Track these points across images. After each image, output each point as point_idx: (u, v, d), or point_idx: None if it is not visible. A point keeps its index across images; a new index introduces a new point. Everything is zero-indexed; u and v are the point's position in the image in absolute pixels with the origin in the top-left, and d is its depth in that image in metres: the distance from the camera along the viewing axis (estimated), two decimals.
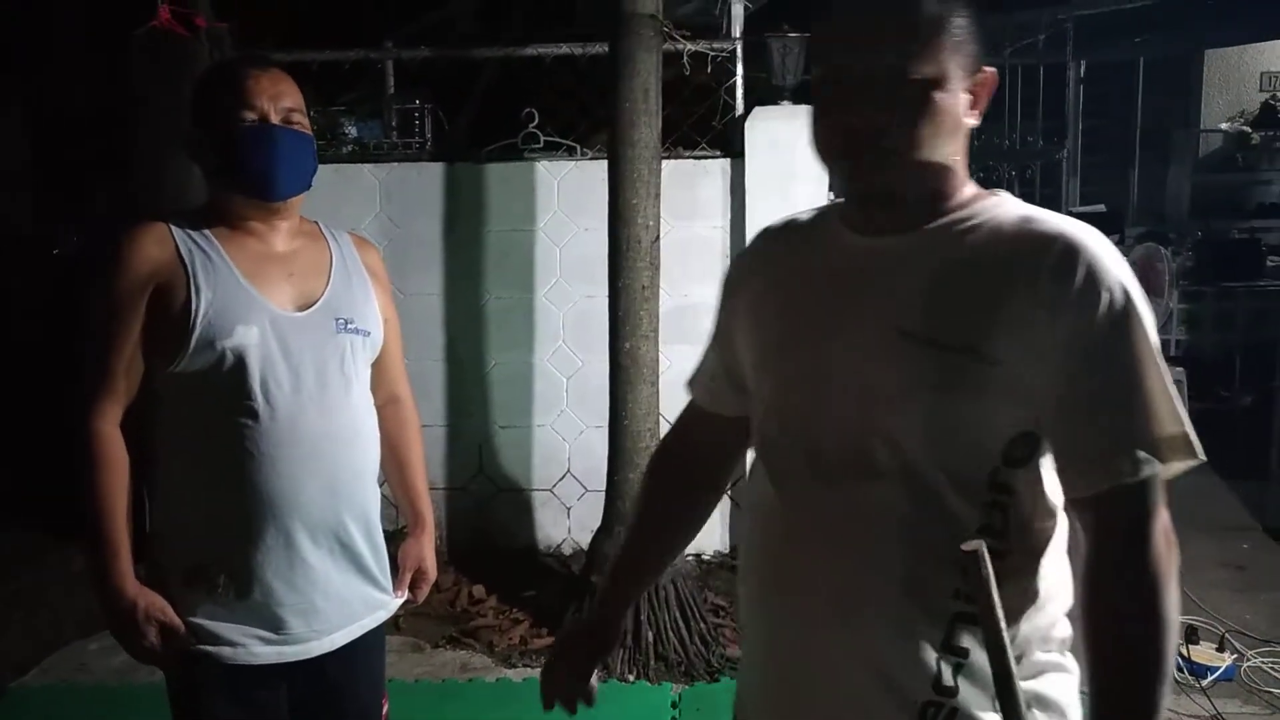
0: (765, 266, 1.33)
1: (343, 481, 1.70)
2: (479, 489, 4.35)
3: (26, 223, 5.26)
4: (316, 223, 1.83)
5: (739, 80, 4.15)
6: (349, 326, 1.72)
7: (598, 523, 3.67)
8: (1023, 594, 1.13)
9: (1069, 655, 1.18)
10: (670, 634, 3.43)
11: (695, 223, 4.13)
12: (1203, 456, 1.07)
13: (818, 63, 1.17)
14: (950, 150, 1.14)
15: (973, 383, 1.07)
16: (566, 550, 4.33)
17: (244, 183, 1.67)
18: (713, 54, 4.08)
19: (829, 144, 1.16)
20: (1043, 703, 1.15)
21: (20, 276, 5.08)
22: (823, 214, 1.31)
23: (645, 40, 3.39)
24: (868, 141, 1.11)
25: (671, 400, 3.83)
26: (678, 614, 3.46)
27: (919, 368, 1.09)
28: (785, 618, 1.21)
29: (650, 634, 3.41)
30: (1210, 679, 3.22)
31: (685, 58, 3.99)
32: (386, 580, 1.83)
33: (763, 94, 4.16)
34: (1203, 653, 3.33)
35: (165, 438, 1.68)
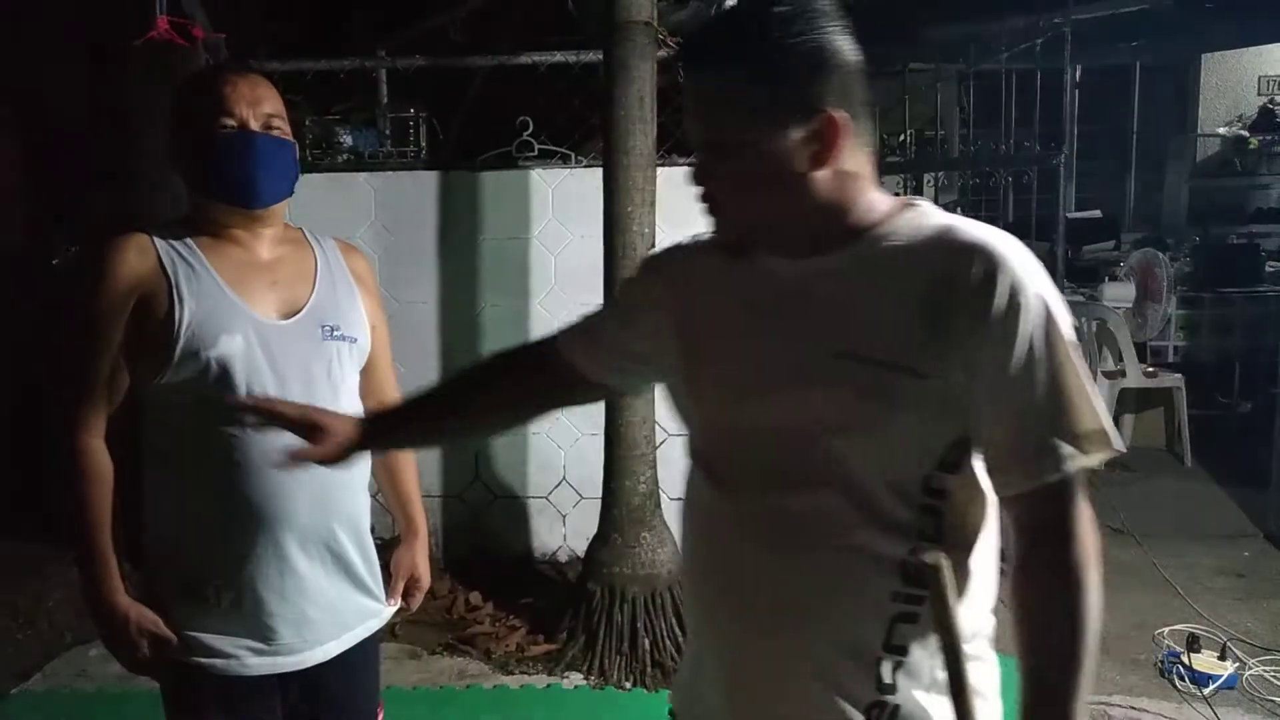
0: (694, 276, 1.33)
1: (332, 490, 1.68)
2: (475, 496, 4.34)
3: (23, 234, 5.26)
4: (301, 229, 1.82)
5: None
6: (335, 333, 1.71)
7: (593, 530, 3.66)
8: (957, 590, 1.16)
9: (990, 649, 1.24)
10: (667, 641, 3.42)
11: (690, 230, 4.10)
12: (1121, 447, 1.12)
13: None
14: (791, 200, 1.15)
15: (906, 396, 1.11)
16: (562, 557, 4.32)
17: (224, 190, 1.66)
18: None
19: (696, 197, 1.22)
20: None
21: (18, 288, 5.08)
22: None
23: (640, 47, 3.40)
24: (708, 202, 1.19)
25: (667, 407, 3.82)
26: (674, 621, 3.46)
27: (854, 384, 1.12)
28: (728, 622, 1.23)
29: (647, 641, 3.41)
30: (1212, 687, 3.21)
31: (679, 65, 3.98)
32: (379, 588, 1.82)
33: None
34: (1204, 661, 3.31)
35: (153, 449, 1.67)
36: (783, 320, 1.19)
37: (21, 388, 4.81)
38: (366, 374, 1.82)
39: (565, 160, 4.21)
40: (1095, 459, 1.11)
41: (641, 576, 3.48)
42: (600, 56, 3.60)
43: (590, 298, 3.96)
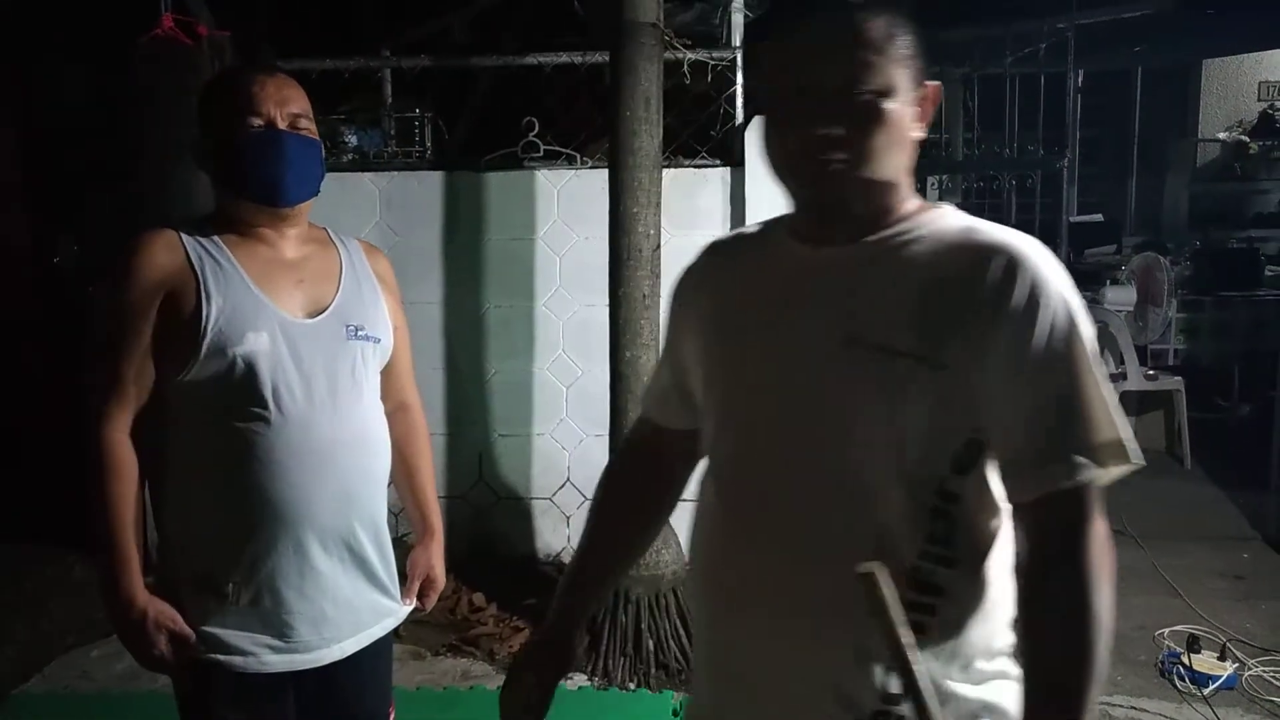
0: (711, 281, 1.35)
1: (354, 489, 1.69)
2: (479, 497, 4.34)
3: (24, 231, 5.25)
4: (325, 229, 1.82)
5: (739, 89, 4.16)
6: (359, 333, 1.72)
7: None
8: (969, 602, 1.15)
9: (1014, 663, 1.20)
10: (671, 642, 3.42)
11: (695, 232, 4.13)
12: (1139, 461, 1.09)
13: (768, 76, 1.20)
14: (898, 163, 1.17)
15: (921, 387, 1.10)
16: (566, 559, 4.32)
17: (252, 189, 1.66)
18: (713, 63, 4.09)
19: (782, 157, 1.18)
20: (991, 710, 1.17)
21: (19, 285, 5.07)
22: (770, 226, 1.33)
23: (646, 49, 3.40)
24: (821, 154, 1.13)
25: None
26: (678, 622, 3.46)
27: (866, 374, 1.12)
28: (737, 624, 1.22)
29: (651, 642, 3.41)
30: (1212, 688, 3.23)
31: (685, 66, 3.99)
32: (395, 588, 1.83)
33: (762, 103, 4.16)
34: (1204, 662, 3.33)
35: (176, 445, 1.66)
36: (796, 308, 1.19)
37: (21, 385, 4.81)
38: (387, 374, 1.82)
39: (571, 161, 4.22)
40: (1112, 472, 1.09)
41: (645, 578, 3.49)
42: (606, 57, 3.61)
43: (594, 299, 3.97)
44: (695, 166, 4.16)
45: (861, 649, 1.12)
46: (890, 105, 1.12)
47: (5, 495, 4.24)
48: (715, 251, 1.39)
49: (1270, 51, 8.35)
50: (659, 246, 3.49)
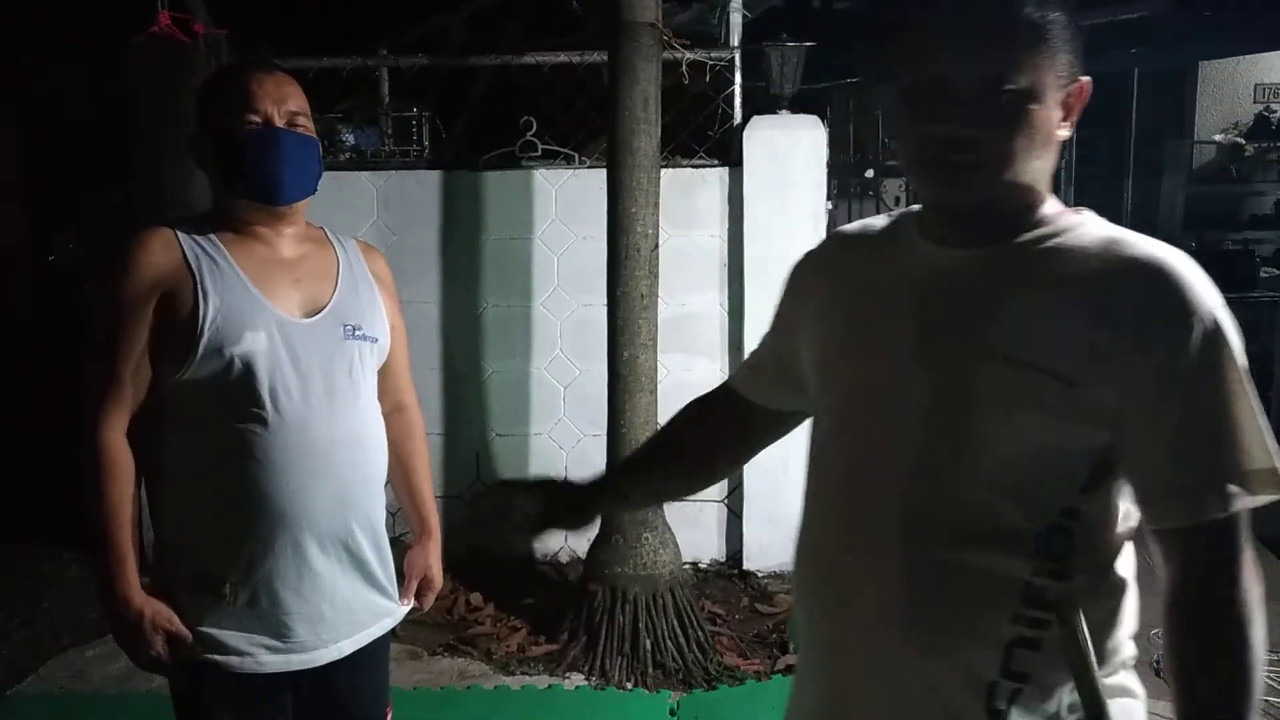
0: (835, 271, 1.30)
1: (351, 489, 1.69)
2: (476, 497, 4.33)
3: (21, 229, 5.25)
4: (322, 228, 1.82)
5: (737, 89, 4.16)
6: (357, 333, 1.71)
7: (595, 531, 3.66)
8: (1087, 616, 1.10)
9: (1135, 678, 1.17)
10: (668, 642, 3.42)
11: (693, 231, 4.14)
12: None
13: (907, 67, 1.11)
14: (1039, 167, 1.10)
15: (1053, 403, 1.04)
16: (563, 558, 4.32)
17: (249, 187, 1.66)
18: (711, 62, 4.09)
19: (919, 154, 1.12)
20: None
21: (16, 284, 5.07)
22: (899, 221, 1.27)
23: (645, 49, 3.40)
24: (953, 157, 1.07)
25: (669, 409, 3.81)
26: (675, 622, 3.46)
27: (995, 386, 1.07)
28: (841, 627, 1.18)
29: (648, 642, 3.41)
30: None
31: (684, 66, 3.99)
32: (393, 588, 1.83)
33: (760, 103, 4.17)
34: None
35: (172, 445, 1.66)
36: (924, 313, 1.14)
37: (18, 384, 4.80)
38: (384, 374, 1.82)
39: (569, 161, 4.22)
40: (1262, 499, 1.04)
41: (643, 577, 3.48)
42: (605, 57, 3.61)
43: (592, 299, 3.97)
44: (693, 166, 4.16)
45: (966, 661, 1.09)
46: (1035, 106, 1.06)
47: (1, 494, 4.24)
48: (840, 242, 1.34)
49: (1266, 54, 8.36)
50: (657, 246, 3.49)
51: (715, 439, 1.47)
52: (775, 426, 1.44)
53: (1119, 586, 1.13)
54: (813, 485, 1.26)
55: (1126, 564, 1.14)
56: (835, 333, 1.24)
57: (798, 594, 1.29)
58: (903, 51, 1.12)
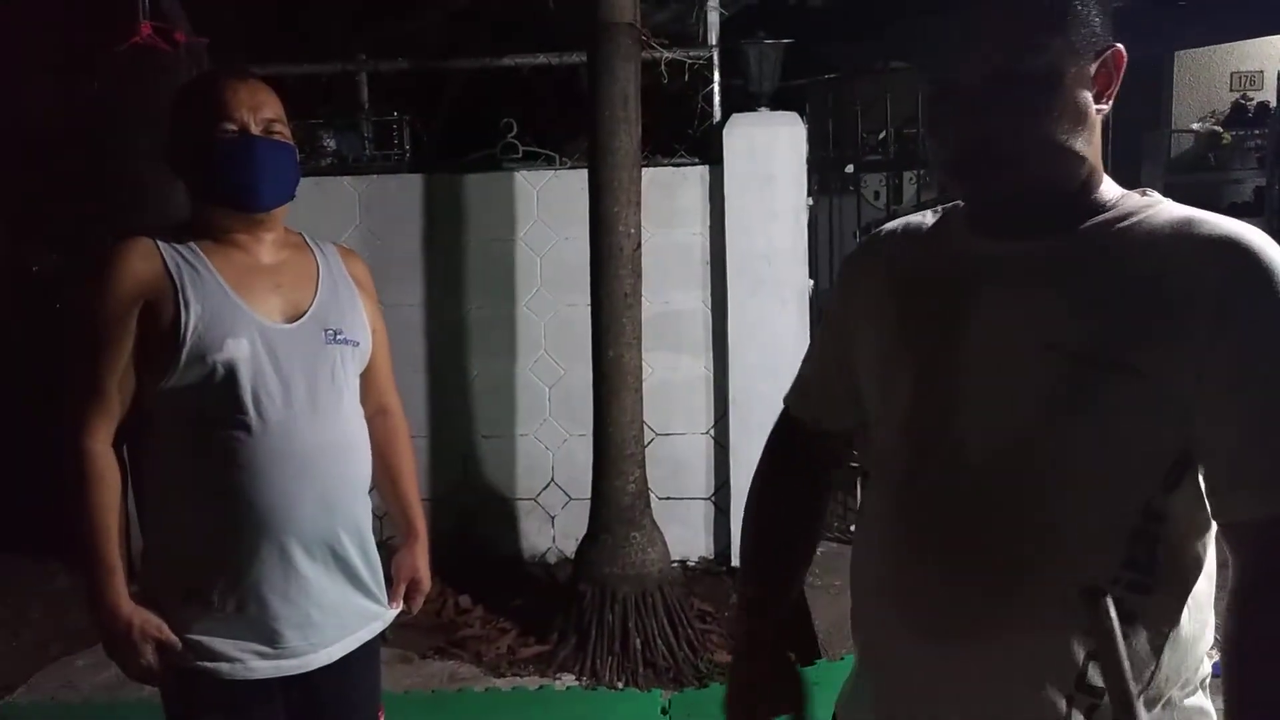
0: (885, 269, 1.23)
1: (336, 493, 1.69)
2: (463, 499, 4.34)
3: (2, 240, 5.22)
4: (301, 233, 1.82)
5: (716, 87, 4.18)
6: (338, 337, 1.72)
7: (582, 531, 3.67)
8: (1166, 632, 1.05)
9: (1208, 697, 1.12)
10: (658, 640, 3.43)
11: (675, 230, 4.15)
12: None
13: (928, 74, 1.08)
14: (1077, 147, 1.04)
15: (1127, 397, 0.99)
16: (551, 559, 4.34)
17: (226, 195, 1.66)
18: (690, 61, 4.10)
19: (947, 157, 1.07)
20: None
21: None
22: (944, 217, 1.22)
23: (624, 48, 3.41)
24: (986, 149, 1.03)
25: (654, 407, 3.84)
26: (665, 621, 3.47)
27: (1064, 383, 1.01)
28: (905, 634, 1.13)
29: (638, 641, 3.42)
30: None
31: (662, 65, 4.00)
32: (381, 591, 1.83)
33: (739, 101, 4.19)
34: None
35: (157, 454, 1.66)
36: (983, 307, 1.08)
37: (1, 394, 4.78)
38: (367, 378, 1.82)
39: (550, 162, 4.22)
40: None
41: (631, 576, 3.50)
42: (583, 58, 3.62)
43: (576, 299, 3.98)
44: (674, 165, 4.17)
45: (1040, 673, 1.05)
46: (1058, 86, 1.00)
47: None
48: (884, 242, 1.27)
49: (1241, 43, 8.41)
50: (639, 245, 3.50)
51: (805, 496, 1.41)
52: (843, 448, 1.37)
53: (1198, 598, 1.07)
54: (872, 498, 1.22)
55: (1209, 574, 1.08)
56: (887, 340, 1.19)
57: (859, 604, 1.23)
58: (924, 57, 1.10)
